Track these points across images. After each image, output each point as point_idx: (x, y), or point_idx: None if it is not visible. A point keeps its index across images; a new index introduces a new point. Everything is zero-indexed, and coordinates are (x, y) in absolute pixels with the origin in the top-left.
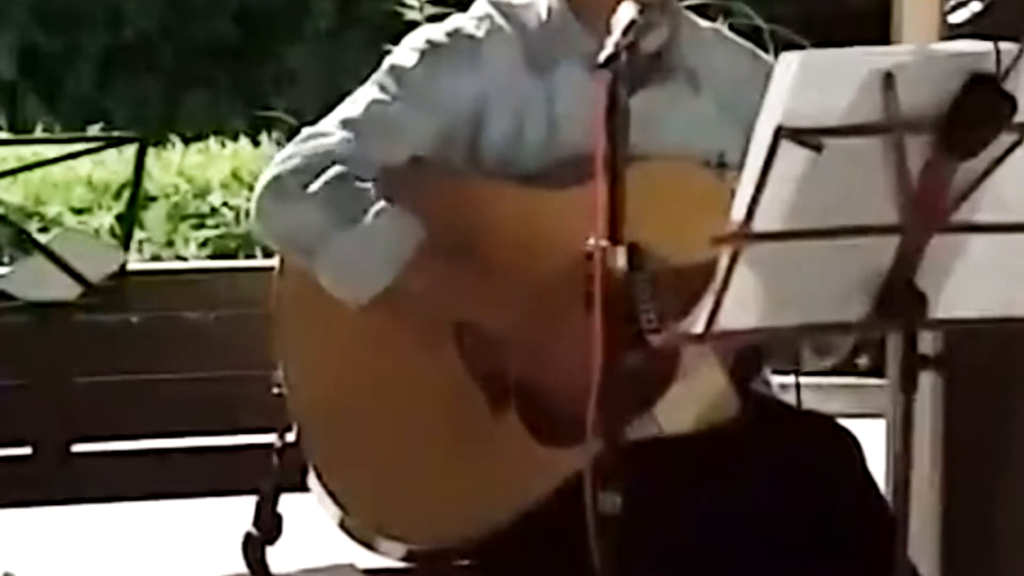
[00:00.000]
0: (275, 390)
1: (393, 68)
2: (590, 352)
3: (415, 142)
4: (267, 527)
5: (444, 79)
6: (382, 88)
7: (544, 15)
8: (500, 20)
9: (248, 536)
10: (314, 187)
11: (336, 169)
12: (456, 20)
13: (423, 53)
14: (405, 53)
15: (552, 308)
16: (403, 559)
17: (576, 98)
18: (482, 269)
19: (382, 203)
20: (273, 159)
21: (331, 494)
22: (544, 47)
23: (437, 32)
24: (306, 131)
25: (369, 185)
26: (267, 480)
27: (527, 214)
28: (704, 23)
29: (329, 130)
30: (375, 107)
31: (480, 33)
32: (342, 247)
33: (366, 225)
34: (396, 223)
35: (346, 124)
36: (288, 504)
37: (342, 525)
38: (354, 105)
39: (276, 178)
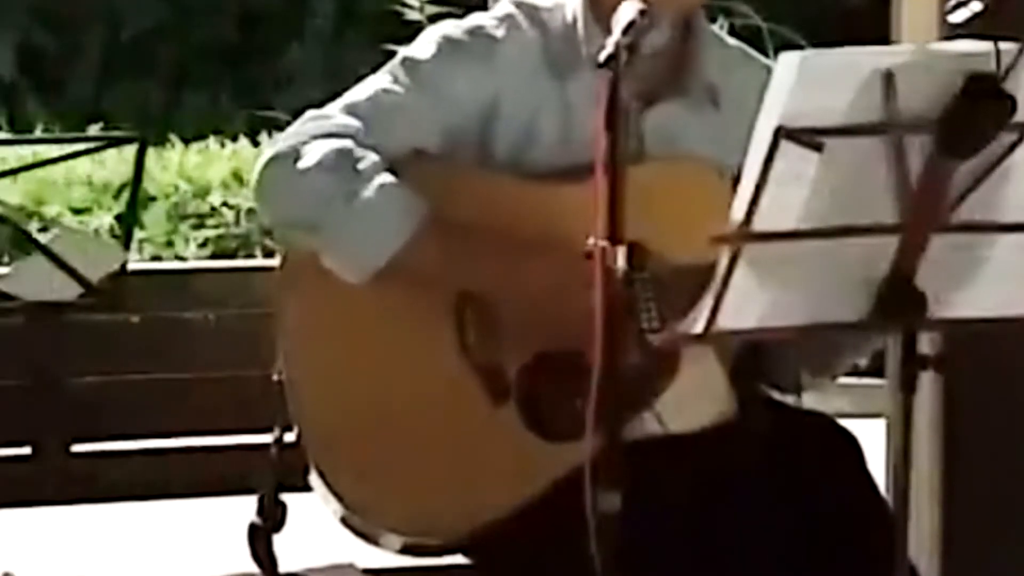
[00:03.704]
0: (275, 377)
1: (406, 60)
2: (591, 349)
3: (419, 135)
4: (271, 516)
5: (456, 76)
6: (393, 78)
7: (569, 19)
8: (522, 21)
9: (253, 527)
10: (314, 161)
11: (337, 143)
12: (477, 18)
13: (439, 48)
14: (421, 46)
15: (555, 302)
16: (401, 552)
17: (593, 104)
18: (487, 250)
19: (385, 176)
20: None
21: (331, 489)
22: (565, 52)
23: (456, 28)
24: (309, 113)
25: (372, 158)
26: (267, 471)
27: (533, 207)
28: (731, 41)
29: (332, 114)
30: (382, 96)
31: (500, 33)
32: (344, 219)
33: (369, 198)
34: (399, 197)
35: (350, 109)
36: (288, 503)
37: (343, 521)
38: (361, 91)
39: (275, 156)
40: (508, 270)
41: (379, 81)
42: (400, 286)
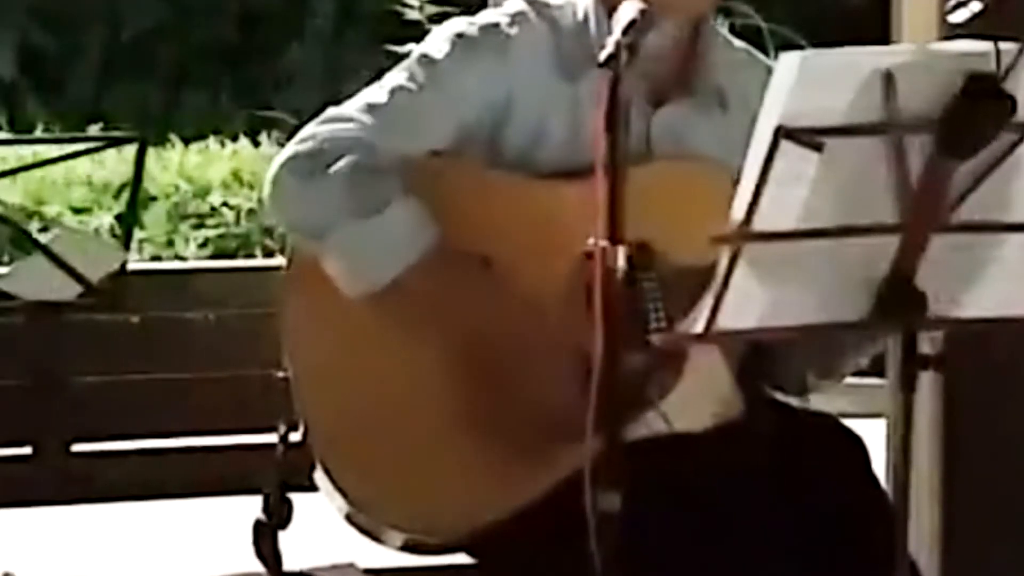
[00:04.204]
0: (281, 374)
1: (422, 57)
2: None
3: (435, 134)
4: (277, 514)
5: (470, 73)
6: (409, 75)
7: (580, 16)
8: (534, 19)
9: (258, 524)
10: (332, 170)
11: (356, 155)
12: (489, 15)
13: (453, 45)
14: (436, 43)
15: (561, 302)
16: (401, 549)
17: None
18: (493, 275)
19: (400, 196)
20: (282, 150)
21: (336, 486)
22: (576, 51)
23: (470, 26)
24: (328, 112)
25: (388, 174)
26: (272, 469)
27: (538, 206)
28: (738, 43)
29: (352, 114)
30: (401, 95)
31: (512, 31)
32: (352, 234)
33: (380, 216)
34: (411, 219)
35: (370, 110)
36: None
37: (348, 518)
38: (380, 91)
39: (294, 157)
40: (513, 300)
41: (397, 80)
42: (406, 300)
